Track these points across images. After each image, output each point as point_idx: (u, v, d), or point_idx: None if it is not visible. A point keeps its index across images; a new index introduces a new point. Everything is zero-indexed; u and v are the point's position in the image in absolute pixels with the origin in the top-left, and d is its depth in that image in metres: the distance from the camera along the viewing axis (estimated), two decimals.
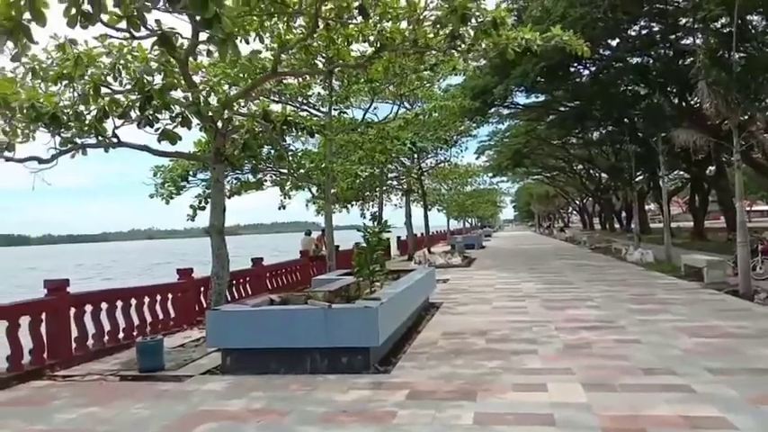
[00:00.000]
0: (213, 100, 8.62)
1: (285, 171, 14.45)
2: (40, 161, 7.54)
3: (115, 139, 8.16)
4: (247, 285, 12.89)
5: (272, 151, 13.41)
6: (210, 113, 8.19)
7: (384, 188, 27.69)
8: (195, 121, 8.61)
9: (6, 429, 5.15)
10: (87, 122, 7.71)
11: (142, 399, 5.95)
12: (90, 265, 61.77)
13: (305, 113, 14.88)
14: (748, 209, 42.08)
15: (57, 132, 7.65)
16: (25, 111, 6.84)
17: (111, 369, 7.30)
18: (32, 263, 69.75)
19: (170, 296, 10.13)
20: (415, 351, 7.54)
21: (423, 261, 16.08)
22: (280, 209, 16.70)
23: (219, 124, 8.83)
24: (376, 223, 24.23)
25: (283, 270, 15.02)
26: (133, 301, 9.21)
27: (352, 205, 25.91)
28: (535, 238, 58.65)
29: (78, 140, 7.78)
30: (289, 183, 15.34)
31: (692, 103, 23.36)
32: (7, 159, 7.20)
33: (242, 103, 10.41)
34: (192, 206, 13.78)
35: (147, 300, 9.52)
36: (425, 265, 15.64)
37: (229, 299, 11.16)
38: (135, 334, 9.06)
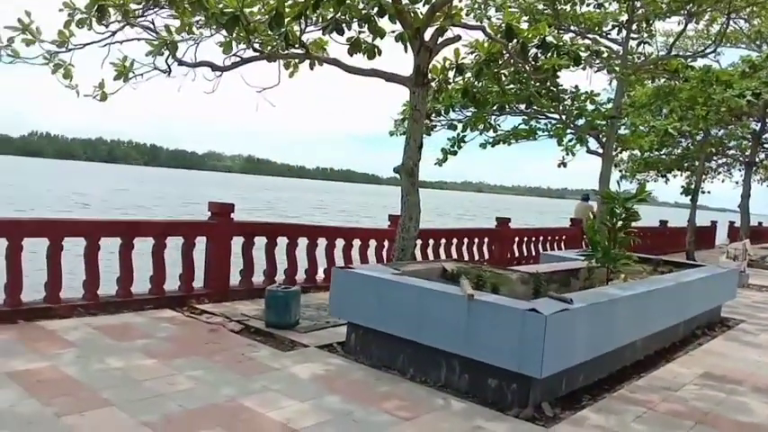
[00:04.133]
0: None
1: (557, 117, 11.64)
2: (214, 68, 6.70)
3: (302, 50, 6.90)
4: (483, 248, 10.84)
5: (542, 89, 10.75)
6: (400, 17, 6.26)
7: (716, 157, 21.80)
8: (394, 27, 6.84)
9: (44, 364, 4.36)
10: (282, 31, 6.56)
11: (217, 362, 4.65)
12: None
13: (586, 41, 11.65)
14: None
15: (243, 38, 6.72)
16: (188, 6, 5.96)
17: (249, 314, 6.26)
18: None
19: (372, 243, 8.80)
20: (630, 395, 4.59)
21: (740, 257, 11.58)
22: (559, 166, 13.93)
23: (428, 35, 6.82)
24: (686, 196, 18.91)
25: (539, 237, 12.39)
26: (321, 241, 8.11)
27: (673, 176, 21.01)
28: None
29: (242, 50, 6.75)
30: (569, 134, 12.40)
31: None
32: (180, 63, 6.51)
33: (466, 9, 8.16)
34: (442, 149, 12.12)
35: (340, 242, 8.35)
36: (739, 263, 11.18)
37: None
38: (321, 278, 8.01)
